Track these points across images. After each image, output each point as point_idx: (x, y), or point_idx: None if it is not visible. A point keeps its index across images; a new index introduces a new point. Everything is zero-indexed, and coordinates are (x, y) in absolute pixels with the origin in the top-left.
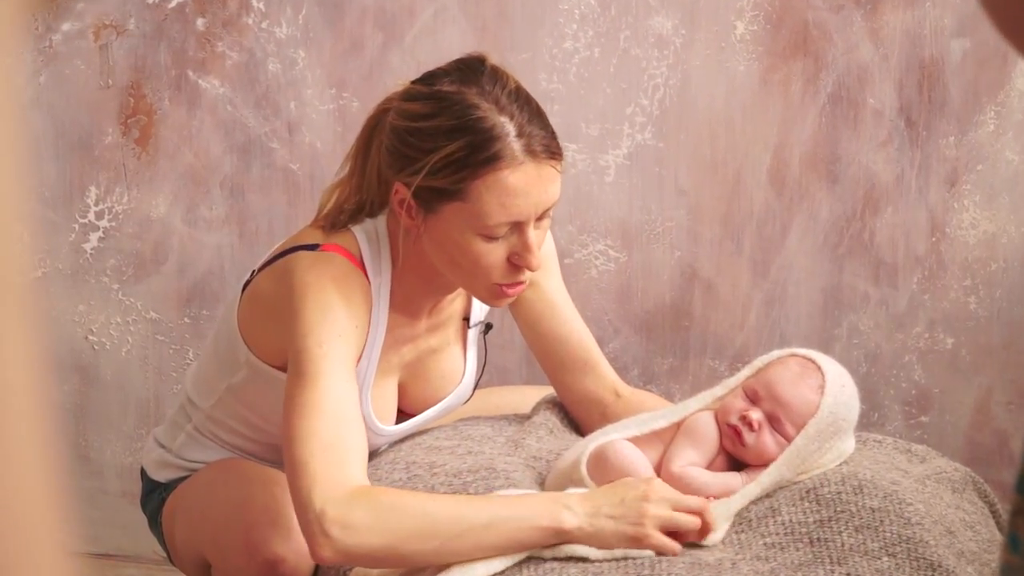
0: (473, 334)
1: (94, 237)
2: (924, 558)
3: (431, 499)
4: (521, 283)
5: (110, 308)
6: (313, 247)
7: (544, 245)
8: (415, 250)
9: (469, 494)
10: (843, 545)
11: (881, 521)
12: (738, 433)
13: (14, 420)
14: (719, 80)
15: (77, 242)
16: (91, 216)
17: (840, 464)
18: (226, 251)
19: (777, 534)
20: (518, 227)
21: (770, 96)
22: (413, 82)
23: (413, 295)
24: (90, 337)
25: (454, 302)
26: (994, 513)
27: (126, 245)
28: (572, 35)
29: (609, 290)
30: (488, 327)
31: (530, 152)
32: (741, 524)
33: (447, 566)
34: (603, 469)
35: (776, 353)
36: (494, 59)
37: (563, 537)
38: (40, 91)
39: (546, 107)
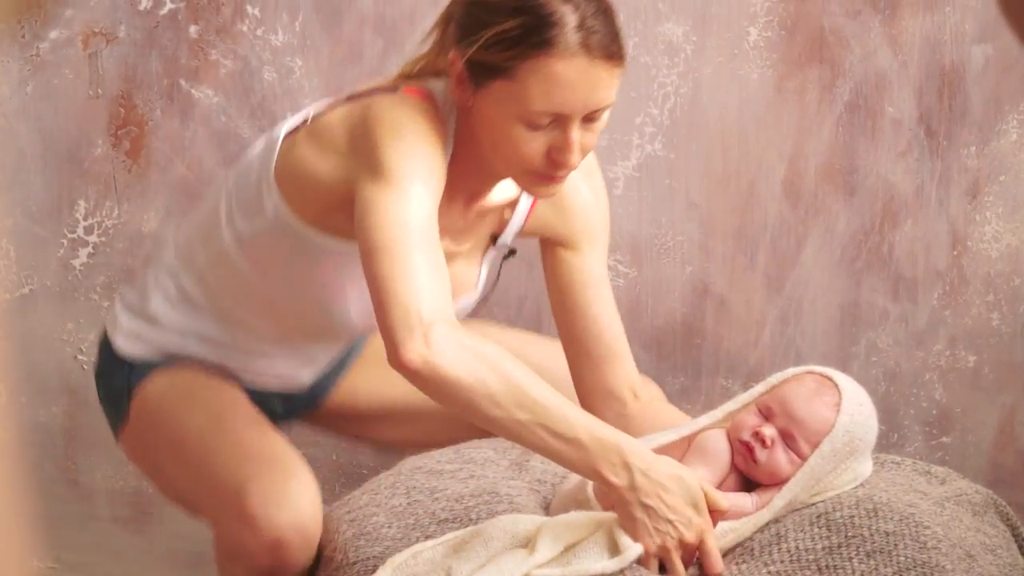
0: (492, 255)
1: (83, 253)
2: None
3: (529, 379)
4: (560, 178)
5: (100, 326)
6: (394, 89)
7: (599, 215)
8: (467, 125)
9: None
10: (853, 572)
11: (895, 545)
12: (750, 450)
13: None
14: (732, 88)
15: (66, 258)
16: (80, 231)
17: (855, 487)
18: None
19: (783, 562)
20: (561, 121)
21: (785, 105)
22: None
23: (461, 175)
24: (79, 357)
25: (488, 217)
26: (1016, 536)
27: (117, 261)
28: None
29: (619, 306)
30: (511, 253)
31: (585, 47)
32: (744, 554)
33: None
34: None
35: (792, 371)
36: None
37: (602, 485)
38: (27, 101)
39: None
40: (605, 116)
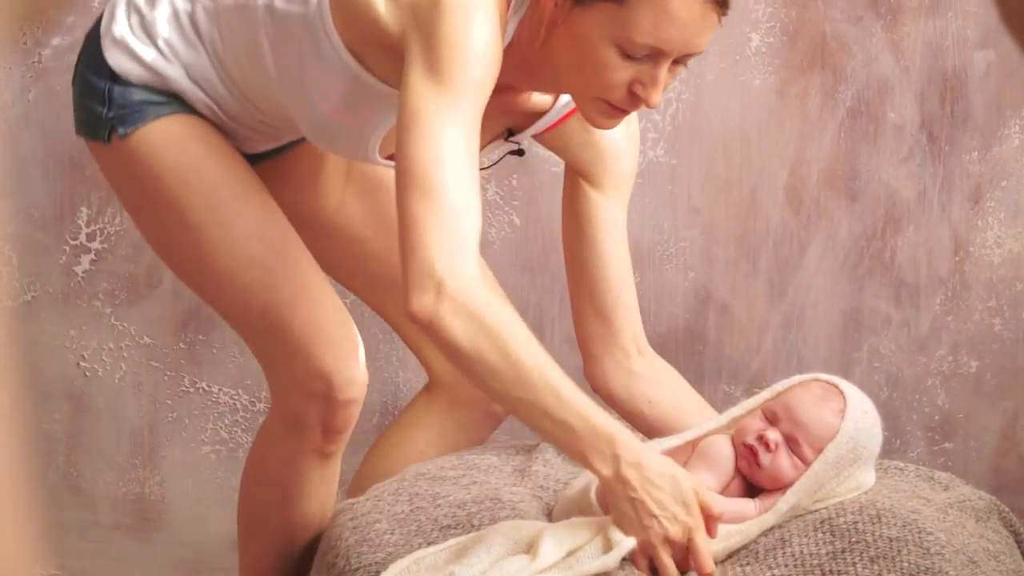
0: (499, 146)
1: (86, 259)
2: None
3: (530, 357)
4: (627, 112)
5: (102, 333)
6: None
7: (630, 162)
8: (532, 21)
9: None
10: None
11: (899, 551)
12: (754, 453)
13: None
14: (734, 94)
15: (68, 265)
16: (82, 238)
17: (858, 493)
18: None
19: (787, 566)
20: (656, 57)
21: (787, 111)
22: None
23: (505, 68)
24: (82, 363)
25: (511, 113)
26: (1019, 542)
27: (119, 268)
28: None
29: None
30: (519, 152)
31: None
32: (747, 557)
33: None
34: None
35: (798, 377)
36: None
37: (616, 474)
38: (29, 108)
39: None
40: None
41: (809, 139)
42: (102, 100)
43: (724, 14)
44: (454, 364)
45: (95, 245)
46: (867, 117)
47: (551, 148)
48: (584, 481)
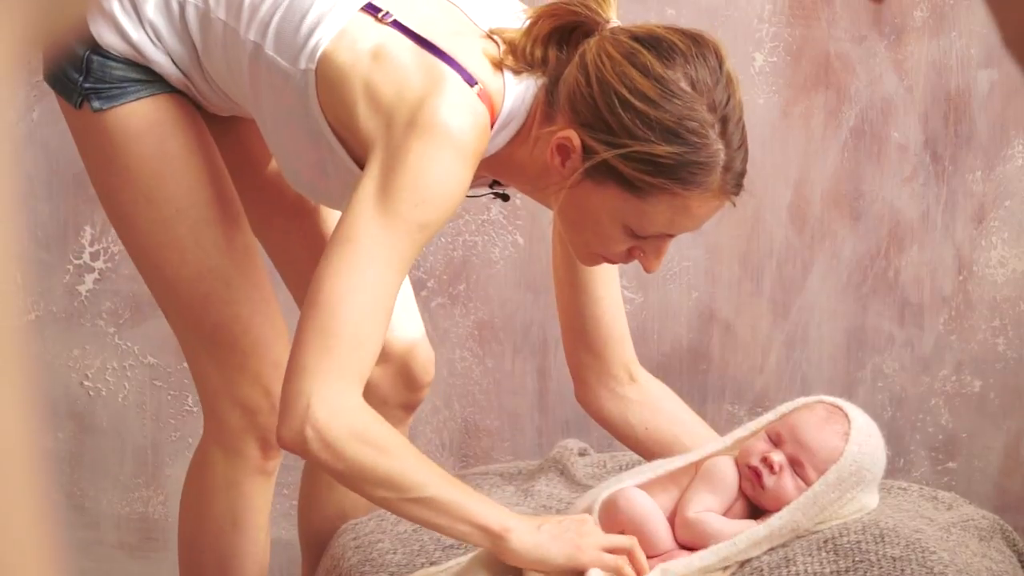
0: (482, 188)
1: (89, 279)
2: None
3: (407, 459)
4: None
5: (106, 353)
6: (473, 83)
7: None
8: (525, 142)
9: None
10: None
11: (902, 571)
12: (758, 475)
13: (4, 465)
14: None
15: (72, 284)
16: (86, 257)
17: (862, 514)
18: None
19: None
20: (664, 237)
21: (791, 130)
22: (640, 38)
23: (489, 166)
24: (85, 383)
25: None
26: (1023, 562)
27: (123, 287)
28: None
29: None
30: (504, 198)
31: (724, 190)
32: (752, 574)
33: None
34: (614, 519)
35: (803, 400)
36: (726, 53)
37: (502, 543)
38: (33, 127)
39: None
40: None
41: (813, 159)
42: (79, 67)
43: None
44: (330, 475)
45: (99, 264)
46: (871, 137)
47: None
48: (586, 502)
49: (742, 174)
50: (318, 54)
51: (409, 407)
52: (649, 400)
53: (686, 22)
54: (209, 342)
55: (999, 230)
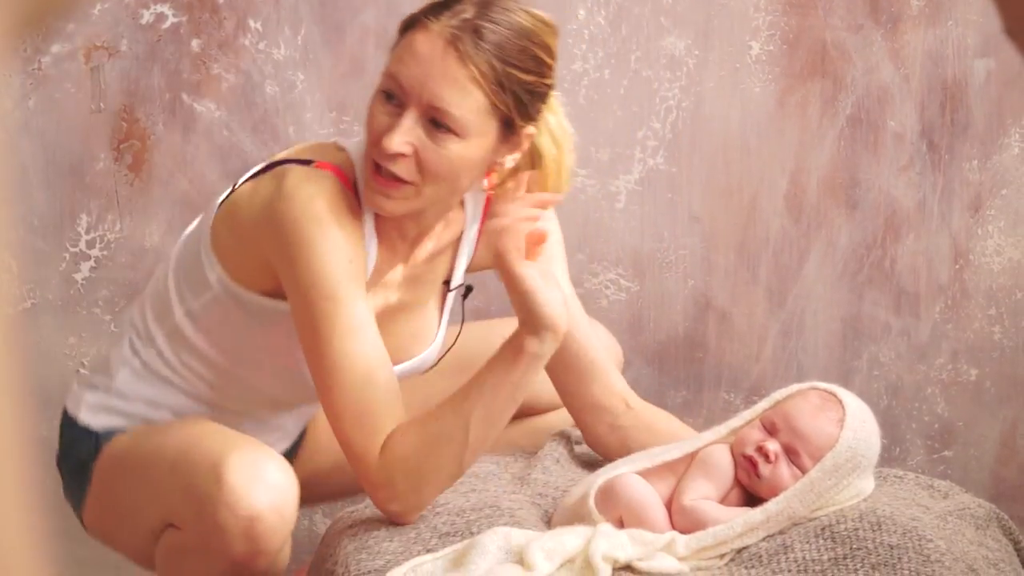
0: (451, 298)
1: (85, 267)
2: None
3: (436, 422)
4: (384, 179)
5: (102, 341)
6: (307, 163)
7: (556, 237)
8: None
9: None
10: None
11: (899, 558)
12: (754, 464)
13: None
14: (734, 102)
15: (68, 272)
16: (82, 245)
17: (858, 501)
18: None
19: (789, 571)
20: (403, 101)
21: (787, 119)
22: None
23: (397, 225)
24: (81, 371)
25: (436, 261)
26: (1019, 551)
27: (119, 275)
28: (581, 56)
29: (620, 321)
30: (468, 290)
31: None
32: (751, 560)
33: None
34: (612, 503)
35: (796, 387)
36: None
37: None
38: (29, 116)
39: None
40: (460, 149)
41: (809, 147)
42: (93, 451)
43: (464, 63)
44: (441, 491)
45: (95, 252)
46: (867, 125)
47: (487, 267)
48: (583, 488)
49: (475, 26)
50: (213, 259)
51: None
52: (645, 424)
53: (682, 10)
54: None
55: (995, 219)
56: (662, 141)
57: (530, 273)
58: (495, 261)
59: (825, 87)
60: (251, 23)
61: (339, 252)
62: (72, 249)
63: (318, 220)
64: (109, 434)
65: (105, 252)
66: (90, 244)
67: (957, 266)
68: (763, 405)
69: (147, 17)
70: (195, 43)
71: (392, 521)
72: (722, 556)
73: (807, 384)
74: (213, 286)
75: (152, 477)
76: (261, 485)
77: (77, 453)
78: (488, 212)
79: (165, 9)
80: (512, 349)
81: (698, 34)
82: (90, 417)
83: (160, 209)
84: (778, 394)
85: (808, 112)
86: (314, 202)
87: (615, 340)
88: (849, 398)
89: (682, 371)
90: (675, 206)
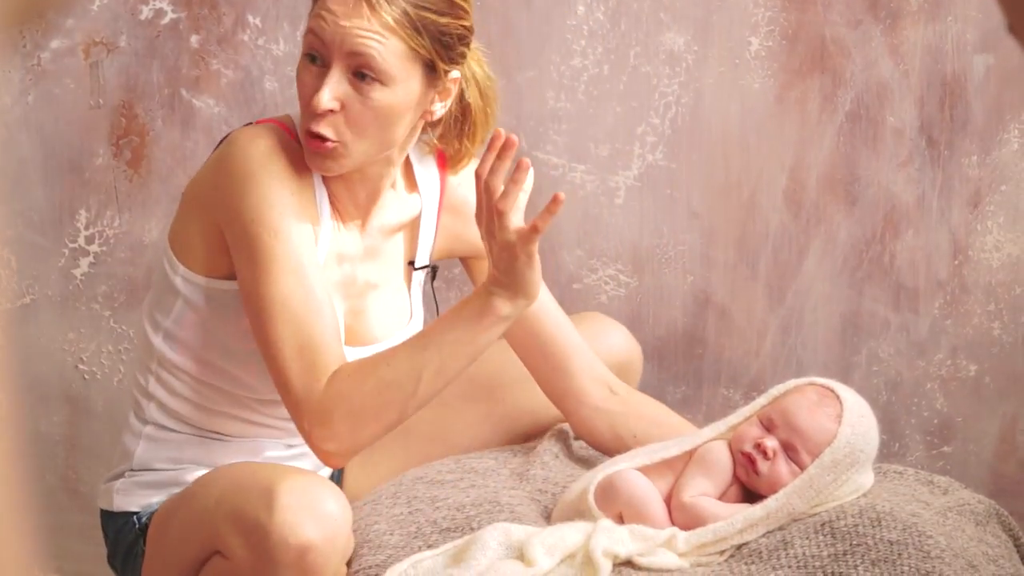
0: (419, 277)
1: (84, 262)
2: None
3: (388, 367)
4: (316, 136)
5: (101, 336)
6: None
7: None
8: None
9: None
10: None
11: (899, 554)
12: (752, 461)
13: None
14: (733, 98)
15: (67, 268)
16: (81, 241)
17: (858, 496)
18: None
19: (789, 567)
20: (326, 59)
21: (786, 114)
22: None
23: (347, 188)
24: (80, 366)
25: (396, 238)
26: (1018, 547)
27: (118, 271)
28: (580, 52)
29: (619, 316)
30: (435, 271)
31: None
32: (751, 556)
33: None
34: (611, 499)
35: (793, 382)
36: None
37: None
38: (28, 111)
39: (553, 126)
40: (387, 97)
41: (808, 143)
42: (134, 531)
43: (376, 12)
44: (381, 436)
45: (94, 248)
46: (866, 121)
47: (452, 254)
48: (583, 484)
49: None
50: (172, 258)
51: None
52: (633, 409)
53: (681, 6)
54: None
55: (995, 214)
56: (661, 137)
57: (534, 236)
58: (487, 219)
59: (824, 83)
60: (250, 19)
61: (283, 185)
62: (71, 245)
63: (261, 156)
64: (148, 510)
65: (104, 248)
66: (89, 240)
67: (956, 262)
68: (761, 401)
69: (146, 13)
70: (194, 39)
71: (324, 463)
72: (722, 552)
73: (804, 379)
74: (179, 290)
75: (199, 507)
76: (315, 514)
77: (124, 540)
78: (445, 191)
79: (164, 5)
80: (479, 307)
81: (697, 30)
82: (125, 501)
83: (159, 205)
84: (775, 390)
85: (807, 108)
86: (256, 142)
87: (635, 342)
88: (846, 393)
89: (681, 367)
90: (674, 202)
